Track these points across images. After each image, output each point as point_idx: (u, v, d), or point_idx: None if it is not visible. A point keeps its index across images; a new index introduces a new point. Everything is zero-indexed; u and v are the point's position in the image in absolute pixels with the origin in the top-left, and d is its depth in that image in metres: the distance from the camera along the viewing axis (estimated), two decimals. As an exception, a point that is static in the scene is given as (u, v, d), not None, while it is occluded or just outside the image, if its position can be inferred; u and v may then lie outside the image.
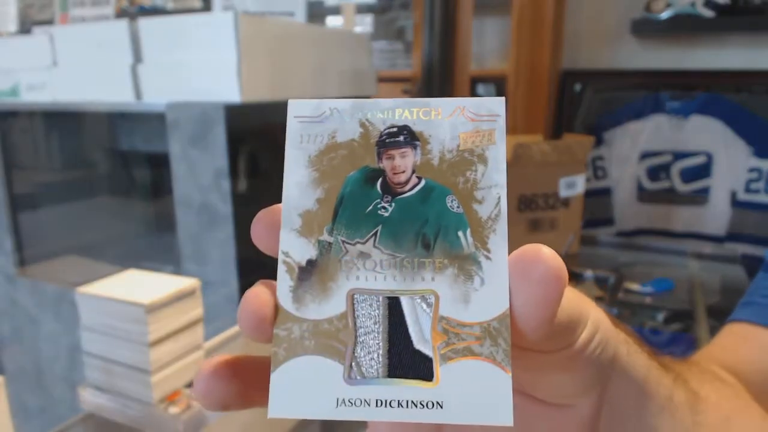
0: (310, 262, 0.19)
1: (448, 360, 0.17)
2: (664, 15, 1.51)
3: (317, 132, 0.20)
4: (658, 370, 0.25)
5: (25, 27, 1.58)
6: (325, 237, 0.19)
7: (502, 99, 0.20)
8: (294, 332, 0.18)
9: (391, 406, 0.17)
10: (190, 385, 0.80)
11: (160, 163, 1.16)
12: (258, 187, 1.07)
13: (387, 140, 0.19)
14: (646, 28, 1.57)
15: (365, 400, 0.17)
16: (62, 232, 1.47)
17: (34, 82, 1.21)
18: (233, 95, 0.97)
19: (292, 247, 0.19)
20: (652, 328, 0.97)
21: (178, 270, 1.09)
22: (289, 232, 0.19)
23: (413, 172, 0.19)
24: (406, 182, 0.19)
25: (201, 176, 1.01)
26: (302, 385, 0.17)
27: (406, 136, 0.19)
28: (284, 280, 0.18)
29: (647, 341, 0.30)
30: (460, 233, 0.18)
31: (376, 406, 0.17)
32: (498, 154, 0.19)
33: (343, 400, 0.17)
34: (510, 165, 1.19)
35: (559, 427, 0.23)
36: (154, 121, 1.14)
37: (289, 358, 0.18)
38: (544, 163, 1.20)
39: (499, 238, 0.18)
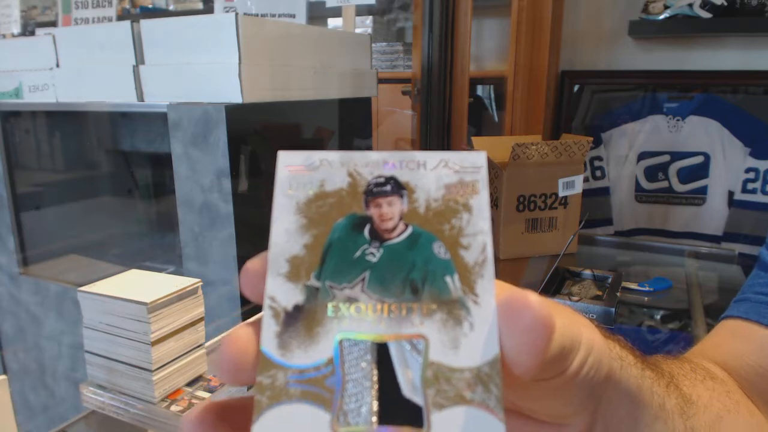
0: (296, 308, 0.18)
1: (440, 407, 0.17)
2: (662, 16, 1.52)
3: (306, 181, 0.20)
4: (651, 379, 0.26)
5: (28, 29, 1.58)
6: (313, 282, 0.18)
7: (484, 153, 0.20)
8: (278, 379, 0.17)
9: None
10: (191, 383, 0.81)
11: (161, 163, 1.17)
12: (259, 187, 1.07)
13: (374, 189, 0.20)
14: (643, 30, 1.58)
15: None
16: (65, 232, 1.48)
17: (37, 83, 1.22)
18: (234, 96, 0.98)
19: (279, 292, 0.18)
20: (650, 327, 0.97)
21: (179, 270, 1.09)
22: (275, 277, 0.19)
23: (400, 219, 0.19)
24: (394, 229, 0.19)
25: (202, 176, 1.02)
26: None
27: (393, 186, 0.20)
28: (269, 326, 0.18)
29: (645, 340, 0.30)
30: (447, 278, 0.18)
31: None
32: (482, 204, 0.19)
33: None
34: (509, 165, 1.20)
35: None
36: (156, 121, 1.15)
37: (272, 405, 0.17)
38: (542, 163, 1.21)
39: (486, 282, 0.18)
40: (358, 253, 0.19)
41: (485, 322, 0.18)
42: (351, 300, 0.18)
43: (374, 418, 0.17)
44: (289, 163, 0.20)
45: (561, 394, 0.21)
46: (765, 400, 0.36)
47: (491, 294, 0.18)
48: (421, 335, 0.18)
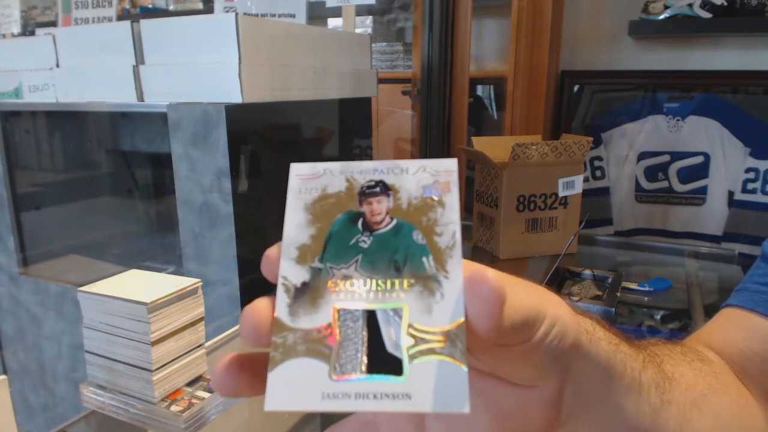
0: (304, 284, 0.22)
1: (415, 359, 0.21)
2: (662, 16, 1.52)
3: (312, 186, 0.25)
4: (626, 354, 0.28)
5: (28, 29, 1.59)
6: (317, 264, 0.23)
7: (455, 160, 0.25)
8: (288, 339, 0.21)
9: (367, 398, 0.20)
10: (191, 383, 0.81)
11: (161, 163, 1.17)
12: (259, 186, 1.07)
13: (367, 191, 0.24)
14: (643, 30, 1.58)
15: (346, 393, 0.20)
16: (65, 232, 1.48)
17: (37, 83, 1.22)
18: (234, 96, 0.98)
19: (289, 273, 0.23)
20: (650, 327, 0.98)
21: (179, 270, 1.09)
22: (287, 261, 0.23)
23: (387, 213, 0.24)
24: (381, 221, 0.23)
25: (202, 176, 1.02)
26: (294, 382, 0.20)
27: (381, 188, 0.24)
28: (282, 298, 0.22)
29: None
30: (424, 259, 0.22)
31: (356, 398, 0.20)
32: (452, 200, 0.23)
33: (328, 393, 0.20)
34: (508, 165, 1.20)
35: (524, 403, 0.26)
36: (156, 121, 1.15)
37: (283, 360, 0.21)
38: (542, 163, 1.21)
39: (455, 261, 0.22)
40: (353, 241, 0.23)
41: (453, 293, 0.21)
42: (347, 277, 0.22)
43: (363, 369, 0.21)
44: (299, 172, 0.25)
45: (529, 360, 0.24)
46: (756, 384, 0.38)
47: (459, 270, 0.22)
48: (402, 303, 0.21)
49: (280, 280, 0.22)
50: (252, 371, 0.22)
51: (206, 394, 0.79)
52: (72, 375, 1.29)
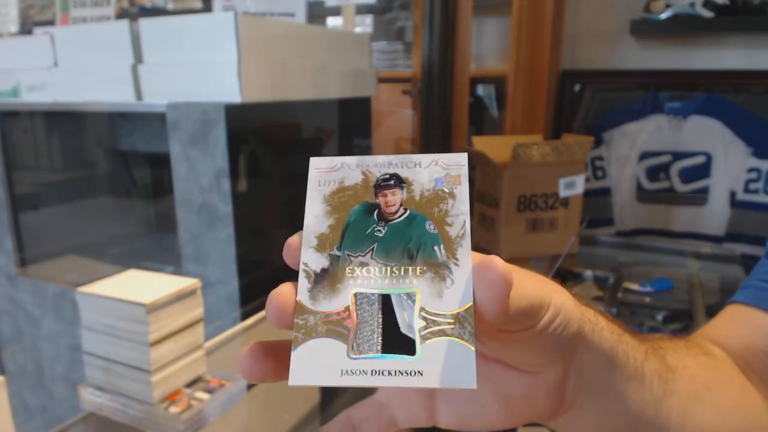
0: (323, 270, 0.24)
1: (427, 339, 0.22)
2: (664, 15, 1.52)
3: (330, 179, 0.27)
4: (628, 345, 0.29)
5: (26, 28, 1.58)
6: (335, 252, 0.25)
7: (465, 154, 0.26)
8: (309, 321, 0.23)
9: (383, 374, 0.22)
10: (190, 384, 0.81)
11: (160, 163, 1.17)
12: (258, 186, 1.07)
13: (382, 183, 0.26)
14: (645, 29, 1.58)
15: (363, 370, 0.22)
16: (63, 232, 1.48)
17: (35, 83, 1.21)
18: (234, 95, 0.97)
19: (310, 260, 0.24)
20: (652, 327, 0.97)
21: (178, 270, 1.09)
22: (307, 249, 0.25)
23: (401, 205, 0.25)
24: (396, 212, 0.25)
25: (201, 176, 1.01)
26: (315, 360, 0.22)
27: (395, 181, 0.26)
28: (303, 283, 0.24)
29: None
30: (435, 247, 0.24)
31: (372, 374, 0.22)
32: (462, 192, 0.25)
33: (347, 370, 0.22)
34: (509, 165, 1.20)
35: (529, 389, 0.27)
36: (155, 121, 1.14)
37: (305, 340, 0.23)
38: (543, 163, 1.20)
39: (465, 250, 0.24)
40: (368, 231, 0.25)
41: (463, 279, 0.23)
42: (363, 264, 0.24)
43: (378, 348, 0.22)
44: (317, 166, 0.27)
45: (533, 346, 0.25)
46: (760, 379, 0.38)
47: (468, 258, 0.23)
48: (415, 289, 0.23)
49: (302, 267, 0.24)
50: (275, 357, 0.24)
51: (205, 396, 0.79)
52: (70, 376, 1.29)
